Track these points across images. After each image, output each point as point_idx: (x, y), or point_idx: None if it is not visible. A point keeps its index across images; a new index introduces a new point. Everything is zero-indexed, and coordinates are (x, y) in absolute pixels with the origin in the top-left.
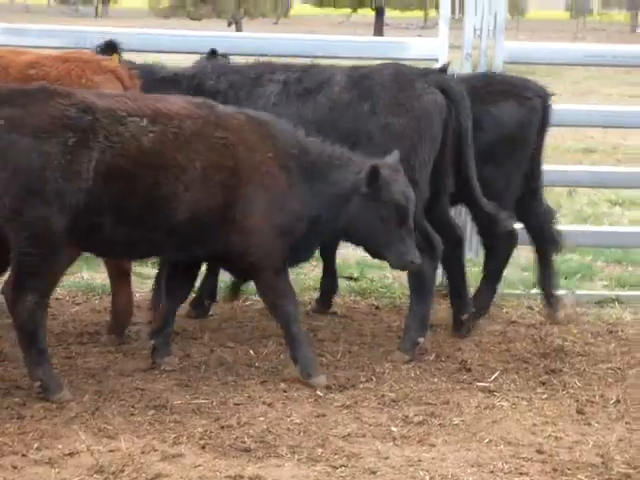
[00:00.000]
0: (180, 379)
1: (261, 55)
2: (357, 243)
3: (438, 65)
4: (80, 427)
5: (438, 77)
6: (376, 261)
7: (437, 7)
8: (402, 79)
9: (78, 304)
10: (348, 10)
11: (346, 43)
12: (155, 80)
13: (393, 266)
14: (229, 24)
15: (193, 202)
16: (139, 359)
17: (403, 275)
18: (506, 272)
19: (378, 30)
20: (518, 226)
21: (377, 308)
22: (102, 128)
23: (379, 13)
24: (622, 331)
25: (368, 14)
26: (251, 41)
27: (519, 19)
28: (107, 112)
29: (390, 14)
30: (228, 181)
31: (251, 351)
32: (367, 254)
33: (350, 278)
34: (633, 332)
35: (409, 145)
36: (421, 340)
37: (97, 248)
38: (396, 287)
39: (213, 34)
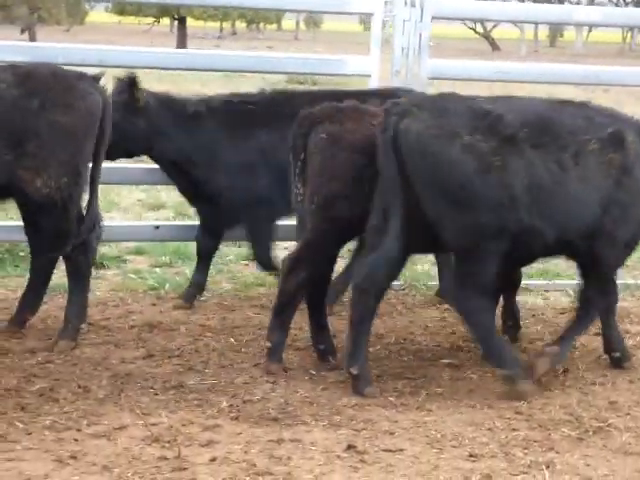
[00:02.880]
0: (182, 364)
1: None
2: None
3: (372, 80)
4: (115, 406)
5: (92, 81)
6: None
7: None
8: (63, 80)
9: (45, 303)
10: (150, 19)
11: (289, 60)
12: None
13: None
14: (22, 31)
15: None
16: (131, 349)
17: None
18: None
19: (181, 39)
20: None
21: None
22: None
23: (182, 23)
24: (542, 314)
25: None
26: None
27: (315, 31)
28: None
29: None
30: None
31: (232, 339)
32: None
33: None
34: (551, 315)
35: (75, 143)
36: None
37: None
38: None
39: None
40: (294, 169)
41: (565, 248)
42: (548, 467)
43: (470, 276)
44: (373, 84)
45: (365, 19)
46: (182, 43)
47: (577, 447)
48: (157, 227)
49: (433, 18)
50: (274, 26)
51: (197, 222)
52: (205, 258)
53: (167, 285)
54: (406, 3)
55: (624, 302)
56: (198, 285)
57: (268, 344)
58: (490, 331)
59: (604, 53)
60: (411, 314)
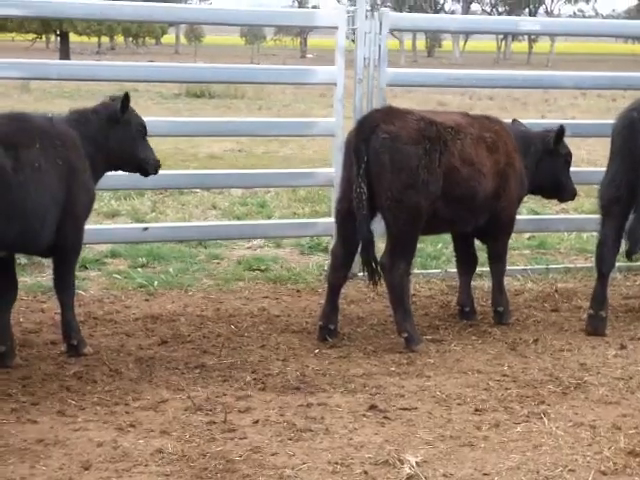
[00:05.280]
0: (195, 348)
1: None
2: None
3: (338, 88)
4: (150, 384)
5: None
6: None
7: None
8: None
9: (44, 302)
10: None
11: (267, 71)
12: None
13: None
14: None
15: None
16: (142, 337)
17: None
18: None
19: (64, 54)
20: None
21: (298, 291)
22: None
23: (64, 38)
24: None
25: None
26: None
27: (197, 45)
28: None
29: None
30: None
31: (232, 326)
32: None
33: (259, 270)
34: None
35: None
36: None
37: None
38: (304, 274)
39: None
40: (357, 172)
41: None
42: (545, 416)
43: None
44: (339, 92)
45: (248, 33)
46: (66, 57)
47: (564, 400)
48: (145, 229)
49: (391, 30)
50: (152, 40)
51: (180, 223)
52: None
53: (155, 282)
54: (367, 17)
55: (569, 284)
56: None
57: (405, 335)
58: None
59: (481, 61)
60: (384, 300)
